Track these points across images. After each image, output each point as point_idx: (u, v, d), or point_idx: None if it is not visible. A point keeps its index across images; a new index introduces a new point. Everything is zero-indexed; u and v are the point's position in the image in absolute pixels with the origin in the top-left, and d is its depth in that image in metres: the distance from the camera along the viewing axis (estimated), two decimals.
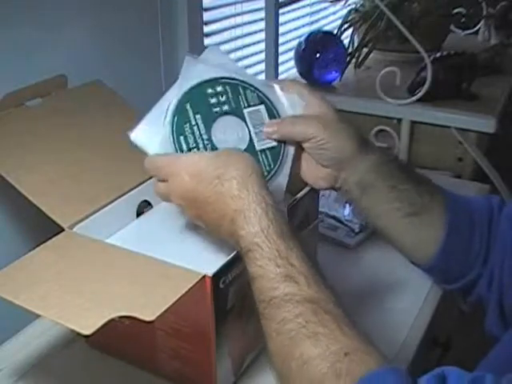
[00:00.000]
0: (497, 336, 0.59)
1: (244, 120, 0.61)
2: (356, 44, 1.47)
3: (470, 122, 1.19)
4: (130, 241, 0.65)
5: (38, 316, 0.72)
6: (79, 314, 0.47)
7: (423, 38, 1.26)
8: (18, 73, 0.75)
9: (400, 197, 0.62)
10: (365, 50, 1.44)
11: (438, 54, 1.28)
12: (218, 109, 0.60)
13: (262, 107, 0.62)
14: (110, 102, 0.80)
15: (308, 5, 1.66)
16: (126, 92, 0.82)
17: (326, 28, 1.73)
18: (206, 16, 1.15)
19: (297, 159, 0.64)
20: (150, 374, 0.65)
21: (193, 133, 0.59)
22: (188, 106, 0.59)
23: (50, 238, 0.60)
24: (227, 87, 0.61)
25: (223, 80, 0.61)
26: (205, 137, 0.59)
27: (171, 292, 0.48)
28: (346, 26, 1.49)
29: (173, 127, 0.59)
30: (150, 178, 0.73)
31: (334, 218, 0.94)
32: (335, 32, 1.46)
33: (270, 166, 0.62)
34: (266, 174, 0.61)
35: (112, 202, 0.67)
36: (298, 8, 1.60)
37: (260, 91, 0.63)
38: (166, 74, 1.04)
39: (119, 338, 0.66)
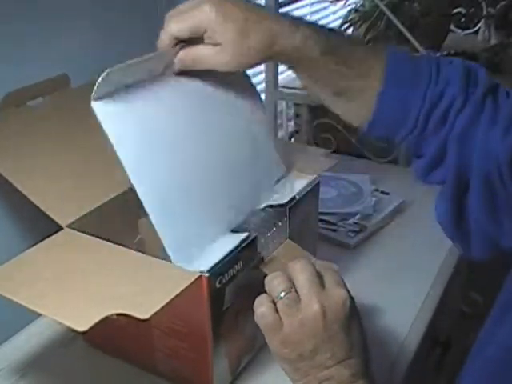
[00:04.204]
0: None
1: None
2: None
3: None
4: None
5: (37, 315, 0.72)
6: (75, 312, 0.47)
7: (423, 37, 1.26)
8: (19, 72, 0.75)
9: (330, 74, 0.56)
10: None
11: (438, 54, 1.28)
12: None
13: None
14: None
15: (308, 5, 1.66)
16: None
17: None
18: None
19: None
20: (147, 372, 0.65)
21: None
22: None
23: (49, 237, 0.60)
24: None
25: None
26: None
27: (167, 291, 0.48)
28: (346, 25, 1.49)
29: None
30: None
31: (333, 218, 0.94)
32: None
33: None
34: None
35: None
36: (298, 8, 1.60)
37: None
38: None
39: (118, 337, 0.66)
